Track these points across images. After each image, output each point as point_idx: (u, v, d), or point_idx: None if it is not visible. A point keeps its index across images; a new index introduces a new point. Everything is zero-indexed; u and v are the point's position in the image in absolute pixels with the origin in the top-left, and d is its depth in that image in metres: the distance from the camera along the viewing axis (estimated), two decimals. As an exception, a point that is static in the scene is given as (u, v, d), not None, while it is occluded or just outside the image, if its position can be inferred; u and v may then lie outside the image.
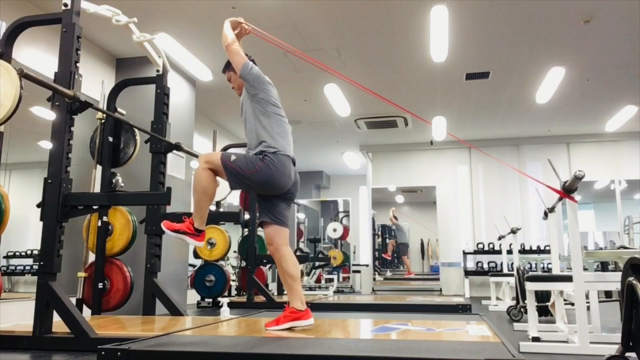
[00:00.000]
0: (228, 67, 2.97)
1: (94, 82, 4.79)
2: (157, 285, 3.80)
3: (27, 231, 4.52)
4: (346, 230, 10.36)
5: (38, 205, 3.00)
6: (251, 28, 3.01)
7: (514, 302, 4.68)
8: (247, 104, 2.88)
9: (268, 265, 6.95)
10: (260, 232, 6.46)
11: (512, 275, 5.23)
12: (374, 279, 9.07)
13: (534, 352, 2.78)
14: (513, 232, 5.59)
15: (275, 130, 2.76)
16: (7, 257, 4.57)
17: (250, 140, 2.81)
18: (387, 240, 10.08)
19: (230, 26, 2.92)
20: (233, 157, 2.67)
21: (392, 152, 9.38)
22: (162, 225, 2.70)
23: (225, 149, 6.47)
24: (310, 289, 8.59)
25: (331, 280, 9.33)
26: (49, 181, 2.99)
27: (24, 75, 2.61)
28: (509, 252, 6.27)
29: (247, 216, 5.86)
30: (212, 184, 2.73)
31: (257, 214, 2.98)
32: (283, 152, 2.73)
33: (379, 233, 10.20)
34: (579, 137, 8.57)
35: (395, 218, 9.97)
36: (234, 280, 6.77)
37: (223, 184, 5.93)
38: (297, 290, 2.74)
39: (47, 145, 3.20)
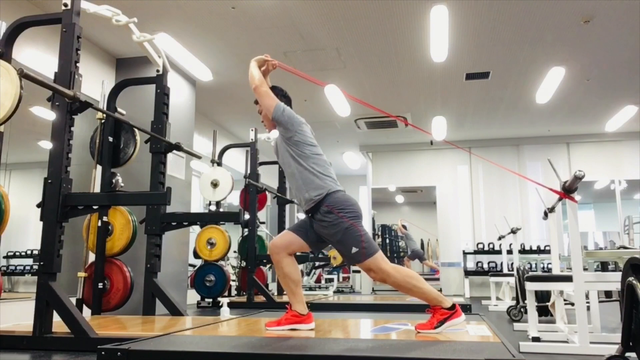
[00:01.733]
0: (258, 102, 2.90)
1: (94, 82, 4.79)
2: (157, 285, 3.80)
3: (27, 231, 4.52)
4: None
5: (38, 205, 3.00)
6: (278, 63, 2.96)
7: (514, 302, 4.68)
8: (282, 147, 2.82)
9: (268, 266, 6.95)
10: (260, 232, 6.48)
11: (512, 275, 5.23)
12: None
13: (534, 352, 2.78)
14: (513, 232, 5.60)
15: (322, 173, 2.70)
16: (7, 257, 4.57)
17: (297, 185, 2.73)
18: (404, 260, 10.03)
19: (257, 64, 2.87)
20: (365, 242, 2.57)
21: (392, 152, 9.38)
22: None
23: (224, 149, 6.48)
24: (310, 289, 8.59)
25: (331, 280, 9.34)
26: (49, 181, 2.99)
27: (24, 75, 2.61)
28: (509, 252, 6.27)
29: (247, 216, 5.86)
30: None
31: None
32: (336, 189, 2.69)
33: (379, 233, 10.20)
34: (579, 137, 8.58)
35: (404, 227, 9.96)
36: (234, 280, 6.77)
37: (222, 185, 5.94)
38: (299, 294, 2.74)
39: (47, 145, 3.20)
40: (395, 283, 2.56)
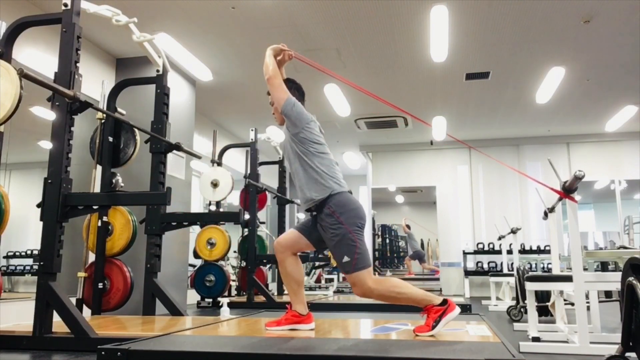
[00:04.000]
0: (270, 94, 2.84)
1: (94, 82, 4.79)
2: (157, 285, 3.80)
3: (27, 231, 4.52)
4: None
5: (38, 205, 3.00)
6: (294, 53, 2.90)
7: (514, 302, 4.68)
8: (288, 144, 2.77)
9: (268, 266, 6.95)
10: (260, 232, 6.48)
11: (512, 275, 5.23)
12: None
13: (534, 352, 2.78)
14: (513, 232, 5.60)
15: (326, 173, 2.64)
16: (7, 257, 4.57)
17: (300, 182, 2.70)
18: (405, 261, 10.03)
19: (273, 54, 2.81)
20: (358, 254, 2.52)
21: (392, 152, 9.38)
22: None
23: (224, 149, 6.48)
24: (310, 289, 8.58)
25: (331, 280, 9.33)
26: (49, 181, 2.99)
27: (24, 75, 2.61)
28: (509, 252, 6.27)
29: (247, 216, 5.86)
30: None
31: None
32: (340, 190, 2.63)
33: (379, 233, 10.20)
34: (579, 137, 8.57)
35: (408, 227, 9.96)
36: (234, 280, 6.77)
37: (222, 185, 5.94)
38: (301, 294, 2.74)
39: (47, 145, 3.20)
40: (379, 296, 2.53)
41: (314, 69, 3.02)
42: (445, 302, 2.49)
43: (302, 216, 10.75)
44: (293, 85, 2.87)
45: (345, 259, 2.51)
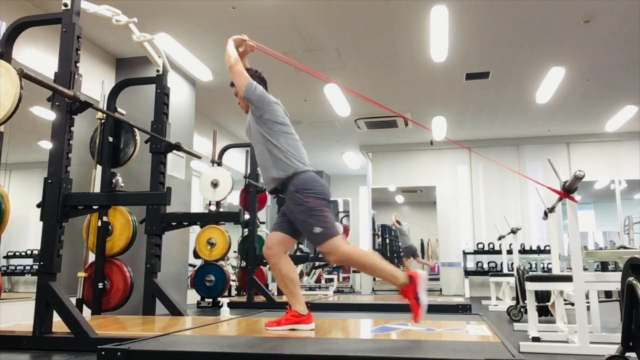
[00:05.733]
0: (234, 84, 2.92)
1: (94, 82, 4.79)
2: (157, 285, 3.80)
3: (27, 231, 4.52)
4: (346, 230, 10.35)
5: (38, 205, 3.00)
6: (255, 45, 2.96)
7: (514, 302, 4.68)
8: (253, 126, 2.83)
9: (268, 266, 6.94)
10: (260, 232, 6.48)
11: (512, 275, 5.23)
12: (374, 279, 9.06)
13: (534, 352, 2.78)
14: (513, 232, 5.59)
15: (291, 152, 2.71)
16: (7, 257, 4.57)
17: (265, 163, 2.75)
18: (403, 259, 10.03)
19: (234, 45, 2.87)
20: (328, 222, 2.63)
21: (392, 152, 9.38)
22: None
23: (224, 149, 6.47)
24: (310, 289, 8.59)
25: (331, 280, 9.33)
26: (49, 181, 2.99)
27: (24, 75, 2.61)
28: (509, 252, 6.27)
29: (247, 216, 5.86)
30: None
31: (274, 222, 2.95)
32: (304, 169, 2.70)
33: (379, 233, 10.20)
34: (579, 137, 8.57)
35: (398, 222, 9.96)
36: (234, 280, 6.77)
37: (222, 185, 5.94)
38: (299, 294, 2.74)
39: (47, 145, 3.20)
40: (352, 262, 2.68)
41: (279, 60, 3.05)
42: (410, 277, 2.59)
43: (302, 216, 10.73)
44: (254, 73, 2.93)
45: (317, 229, 2.59)
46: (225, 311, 3.76)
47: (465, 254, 8.53)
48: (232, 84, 2.91)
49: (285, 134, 2.77)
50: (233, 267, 7.14)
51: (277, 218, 2.87)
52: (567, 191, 2.80)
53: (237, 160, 7.87)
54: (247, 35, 3.02)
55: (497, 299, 6.01)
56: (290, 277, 2.73)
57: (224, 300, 3.90)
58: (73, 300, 3.36)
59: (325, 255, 2.67)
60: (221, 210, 6.26)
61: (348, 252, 2.63)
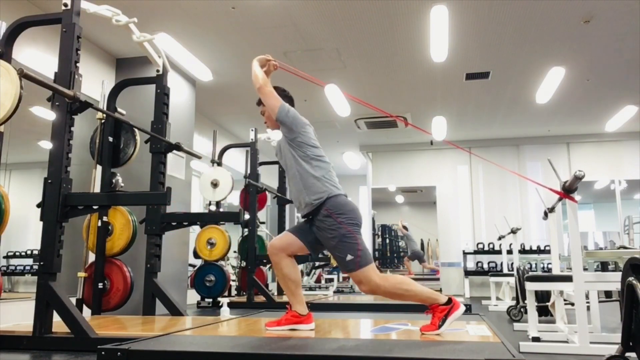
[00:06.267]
0: (262, 103, 2.87)
1: (94, 82, 4.79)
2: (157, 285, 3.80)
3: (27, 231, 4.52)
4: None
5: (38, 205, 3.00)
6: (279, 64, 2.93)
7: (514, 302, 4.68)
8: (285, 148, 2.79)
9: (268, 266, 6.94)
10: (260, 232, 6.48)
11: (512, 275, 5.23)
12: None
13: (534, 352, 2.78)
14: (513, 232, 5.59)
15: (324, 177, 2.67)
16: (7, 257, 4.57)
17: (298, 188, 2.70)
18: (404, 261, 10.02)
19: (259, 64, 2.83)
20: (361, 251, 2.55)
21: (392, 152, 9.38)
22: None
23: (224, 149, 6.47)
24: (310, 289, 8.58)
25: (331, 280, 9.33)
26: (49, 181, 2.99)
27: (24, 75, 2.61)
28: (509, 252, 6.27)
29: (247, 216, 5.86)
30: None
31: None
32: (337, 193, 2.65)
33: (379, 233, 10.20)
34: (579, 137, 8.57)
35: (405, 228, 9.95)
36: (234, 280, 6.77)
37: (222, 185, 5.94)
38: (299, 294, 2.73)
39: (47, 145, 3.20)
40: (386, 293, 2.54)
41: (302, 77, 3.04)
42: (450, 301, 2.52)
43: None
44: (282, 93, 2.89)
45: (349, 257, 2.52)
46: (225, 311, 3.76)
47: (465, 254, 8.53)
48: (259, 103, 2.86)
49: (318, 157, 2.73)
50: (233, 267, 7.13)
51: (300, 224, 2.80)
52: (567, 191, 2.80)
53: (237, 160, 7.87)
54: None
55: (497, 299, 6.01)
56: (292, 277, 2.72)
57: (224, 300, 3.90)
58: (73, 300, 3.36)
59: (357, 285, 2.58)
60: (221, 210, 6.26)
61: (380, 282, 2.51)
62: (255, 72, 2.79)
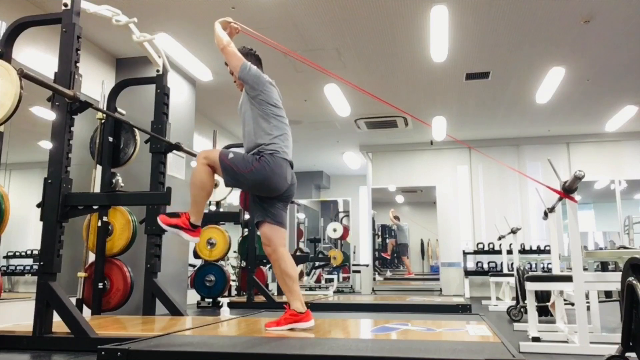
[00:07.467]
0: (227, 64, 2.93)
1: (94, 82, 4.79)
2: (157, 285, 3.80)
3: (27, 231, 4.51)
4: (346, 230, 10.36)
5: (38, 205, 3.00)
6: (240, 27, 2.97)
7: (514, 302, 4.68)
8: (246, 105, 2.83)
9: (268, 266, 6.95)
10: (260, 232, 6.47)
11: (512, 275, 5.23)
12: (374, 279, 9.07)
13: (534, 352, 2.78)
14: (513, 232, 5.59)
15: (274, 133, 2.72)
16: (7, 257, 4.57)
17: (249, 141, 2.77)
18: (387, 240, 10.07)
19: (221, 27, 2.89)
20: (231, 155, 2.66)
21: (392, 152, 9.38)
22: (158, 219, 2.68)
23: (226, 148, 6.48)
24: (310, 289, 8.59)
25: (331, 280, 9.33)
26: (49, 181, 2.99)
27: (24, 75, 2.61)
28: (509, 252, 6.27)
29: (247, 216, 5.86)
30: (210, 180, 2.71)
31: (251, 213, 2.96)
32: (280, 154, 2.70)
33: (379, 233, 10.19)
34: (579, 137, 8.57)
35: (397, 218, 9.95)
36: (234, 280, 6.77)
37: (222, 185, 5.94)
38: (297, 291, 2.73)
39: (47, 145, 3.20)
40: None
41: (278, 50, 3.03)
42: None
43: (302, 216, 10.75)
44: (248, 52, 2.94)
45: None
46: (225, 311, 3.76)
47: (465, 254, 8.53)
48: (226, 63, 2.90)
49: (277, 116, 2.78)
50: (233, 267, 7.14)
51: (255, 209, 2.85)
52: (567, 191, 2.80)
53: (237, 160, 7.86)
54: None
55: (497, 299, 6.01)
56: (289, 273, 2.73)
57: (224, 300, 3.90)
58: (73, 300, 3.36)
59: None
60: (221, 210, 6.27)
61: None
62: (218, 33, 2.84)
